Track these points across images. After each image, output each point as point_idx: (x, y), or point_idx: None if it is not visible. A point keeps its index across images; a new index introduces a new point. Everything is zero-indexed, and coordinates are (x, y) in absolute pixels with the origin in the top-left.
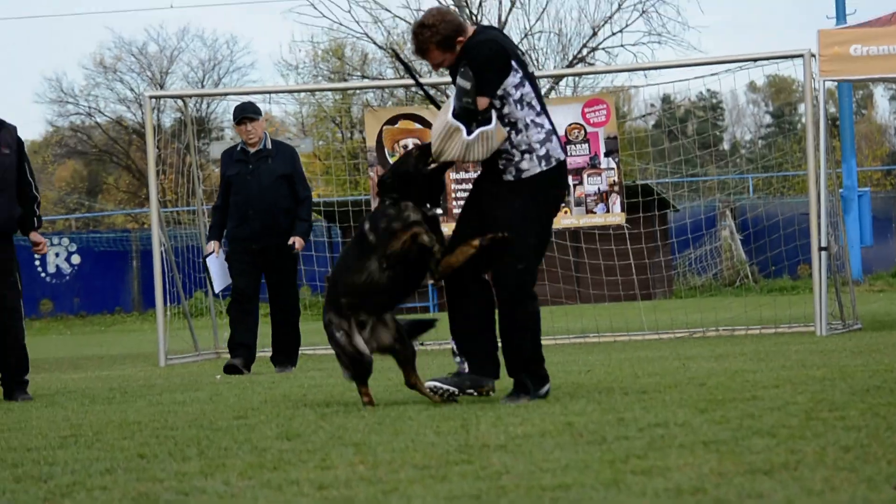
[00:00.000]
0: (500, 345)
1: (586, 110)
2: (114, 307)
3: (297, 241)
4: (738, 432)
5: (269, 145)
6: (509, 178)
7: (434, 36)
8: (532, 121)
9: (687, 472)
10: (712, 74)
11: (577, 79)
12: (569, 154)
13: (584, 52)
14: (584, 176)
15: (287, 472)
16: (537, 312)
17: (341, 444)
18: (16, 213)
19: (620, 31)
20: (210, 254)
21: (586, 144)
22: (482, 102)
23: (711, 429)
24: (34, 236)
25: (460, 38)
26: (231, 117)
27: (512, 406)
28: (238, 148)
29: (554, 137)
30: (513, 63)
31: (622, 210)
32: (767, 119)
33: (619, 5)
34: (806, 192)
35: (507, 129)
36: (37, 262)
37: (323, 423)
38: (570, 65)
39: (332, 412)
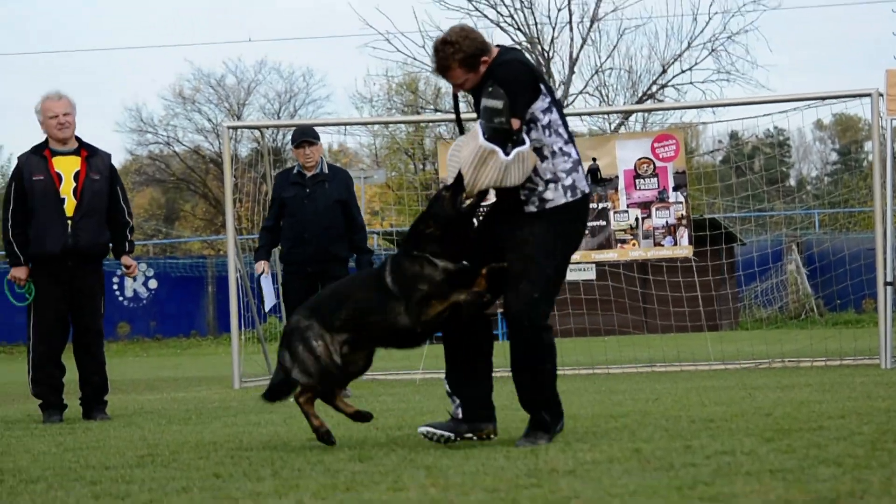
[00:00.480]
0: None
1: (655, 145)
2: (189, 331)
3: None
4: (805, 461)
5: (326, 170)
6: (532, 208)
7: (457, 53)
8: (560, 148)
9: (753, 499)
10: (780, 112)
11: (646, 115)
12: (637, 188)
13: (654, 88)
14: (653, 209)
15: (360, 493)
16: (553, 345)
17: (413, 467)
18: (104, 238)
19: (690, 68)
20: (261, 274)
21: (655, 178)
22: (516, 123)
23: (778, 457)
24: (125, 260)
25: (485, 58)
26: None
27: (530, 448)
28: (294, 171)
29: (580, 168)
30: (541, 86)
31: (690, 243)
32: (834, 156)
33: (689, 44)
34: (872, 227)
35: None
36: (115, 286)
37: (395, 446)
38: (640, 101)
39: (404, 435)
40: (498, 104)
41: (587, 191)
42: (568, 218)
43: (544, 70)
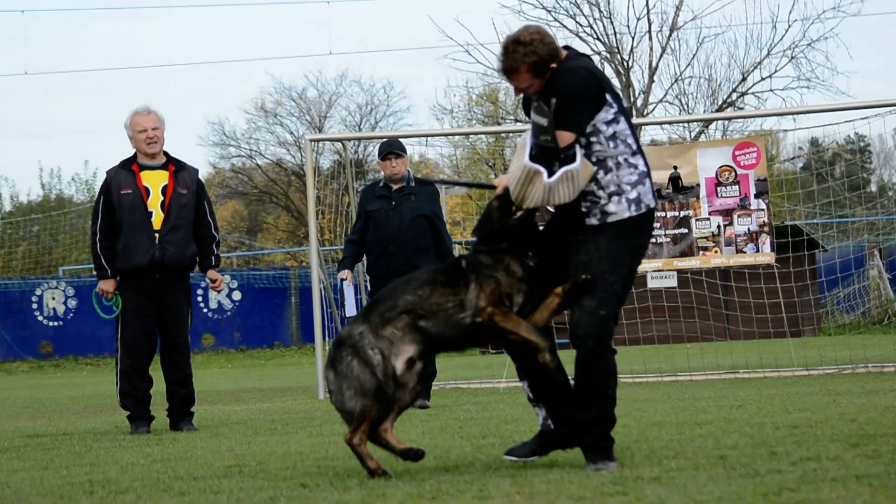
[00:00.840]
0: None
1: (737, 153)
2: (273, 342)
3: None
4: (891, 466)
5: (413, 183)
6: (593, 221)
7: (529, 56)
8: (626, 160)
9: None
10: (861, 118)
11: (726, 123)
12: (719, 195)
13: (734, 96)
14: (735, 217)
15: (445, 501)
16: (615, 367)
17: (498, 476)
18: (191, 252)
19: (770, 76)
20: (343, 280)
21: (737, 186)
22: (564, 138)
23: (864, 463)
24: (212, 274)
25: (553, 65)
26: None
27: (605, 472)
28: (381, 184)
29: (647, 181)
30: (607, 96)
31: (772, 250)
32: None
33: (769, 51)
34: None
35: (596, 167)
36: (199, 298)
37: (479, 455)
38: (720, 109)
39: (489, 444)
40: (543, 121)
41: (652, 205)
42: (632, 231)
43: (624, 80)
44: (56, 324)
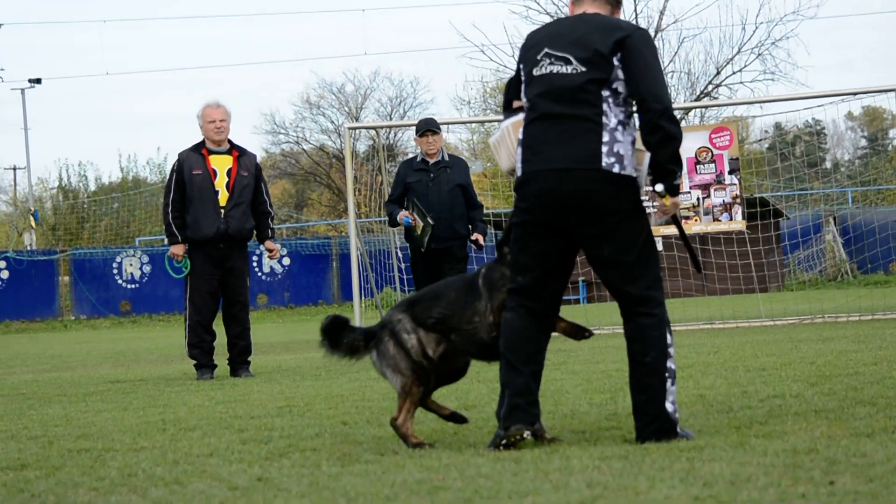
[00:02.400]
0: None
1: (713, 136)
2: (317, 300)
3: (480, 238)
4: (844, 402)
5: (447, 157)
6: None
7: None
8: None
9: (801, 435)
10: (818, 106)
11: (704, 110)
12: (698, 172)
13: (710, 88)
14: (711, 190)
15: (465, 436)
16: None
17: None
18: (250, 225)
19: (740, 70)
20: (405, 217)
21: (713, 164)
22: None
23: (821, 399)
24: (269, 244)
25: None
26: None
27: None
28: (418, 159)
29: (519, 150)
30: (519, 65)
31: (743, 218)
32: (863, 142)
33: (739, 49)
34: None
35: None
36: (255, 264)
37: (494, 396)
38: (698, 99)
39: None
40: None
41: (519, 172)
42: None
43: None
44: (133, 286)
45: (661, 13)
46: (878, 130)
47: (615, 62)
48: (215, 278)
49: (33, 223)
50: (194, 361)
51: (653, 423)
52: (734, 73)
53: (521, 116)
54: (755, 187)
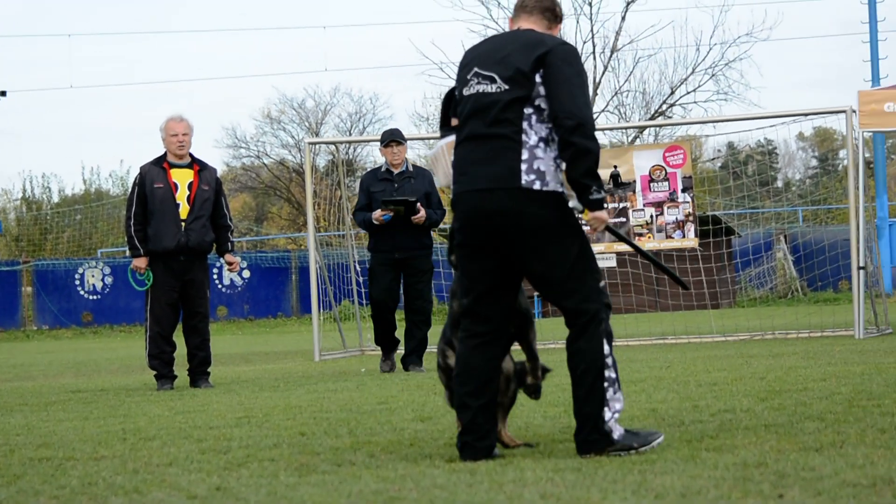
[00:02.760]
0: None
1: (666, 154)
2: (276, 312)
3: (422, 213)
4: (793, 417)
5: (411, 168)
6: None
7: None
8: None
9: (751, 449)
10: (770, 126)
11: (658, 129)
12: (652, 190)
13: (664, 107)
14: (665, 208)
15: (421, 447)
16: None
17: None
18: (210, 238)
19: (694, 90)
20: (384, 215)
21: (666, 182)
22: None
23: (771, 414)
24: (228, 258)
25: None
26: (380, 143)
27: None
28: (382, 169)
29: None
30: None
31: (695, 235)
32: (814, 162)
33: (693, 69)
34: (846, 221)
35: None
36: (215, 276)
37: (450, 408)
38: (653, 117)
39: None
40: None
41: (454, 192)
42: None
43: None
44: (95, 297)
45: (617, 34)
46: (829, 151)
47: (537, 79)
48: (175, 290)
49: None
50: (154, 372)
51: (581, 432)
52: (688, 92)
53: (454, 137)
54: (708, 205)
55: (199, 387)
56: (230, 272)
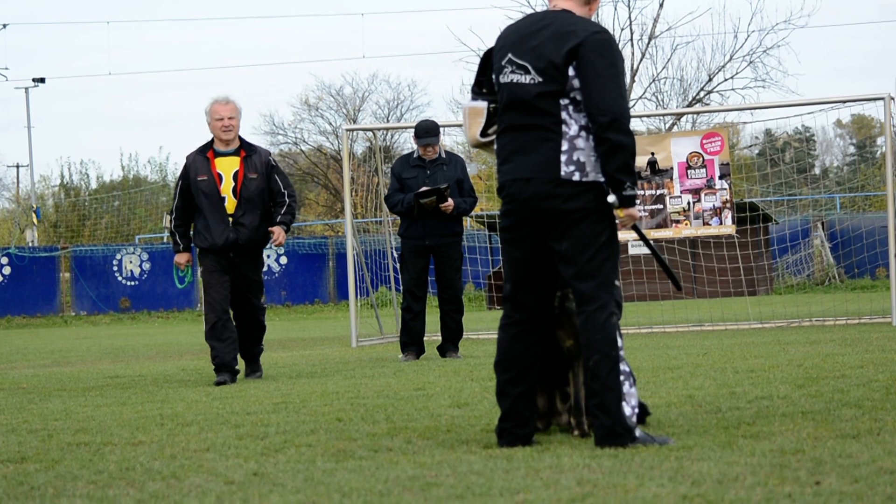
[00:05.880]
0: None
1: (704, 141)
2: (314, 299)
3: (450, 204)
4: (830, 404)
5: (444, 155)
6: None
7: None
8: None
9: (788, 436)
10: (808, 113)
11: (695, 116)
12: (689, 177)
13: (702, 94)
14: (702, 195)
15: (458, 434)
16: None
17: None
18: (262, 231)
19: (732, 77)
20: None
21: (704, 169)
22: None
23: (808, 401)
24: (275, 228)
25: None
26: (414, 134)
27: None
28: (415, 155)
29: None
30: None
31: (732, 222)
32: (851, 149)
33: (731, 56)
34: (884, 208)
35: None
36: None
37: (487, 395)
38: (690, 105)
39: (494, 385)
40: None
41: (501, 181)
42: None
43: None
44: (133, 283)
45: (655, 21)
46: (867, 138)
47: (570, 72)
48: (228, 284)
49: (35, 220)
50: (214, 365)
51: (602, 427)
52: (726, 79)
53: (478, 104)
54: (745, 192)
55: (249, 377)
56: (274, 245)
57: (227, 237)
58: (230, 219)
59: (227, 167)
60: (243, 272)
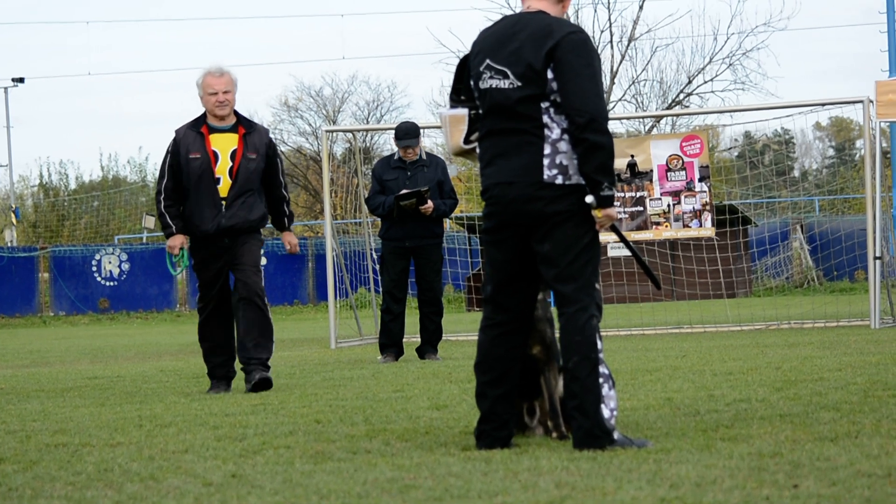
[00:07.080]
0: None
1: (683, 144)
2: (293, 300)
3: (430, 206)
4: (808, 407)
5: (424, 156)
6: None
7: None
8: None
9: (766, 439)
10: (786, 115)
11: (675, 118)
12: (669, 179)
13: (681, 96)
14: (682, 197)
15: (437, 436)
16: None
17: None
18: (258, 215)
19: (711, 79)
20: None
21: (683, 172)
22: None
23: (786, 404)
24: (288, 237)
25: None
26: (394, 136)
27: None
28: (395, 157)
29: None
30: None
31: (712, 225)
32: (831, 152)
33: (711, 58)
34: (863, 211)
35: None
36: None
37: (466, 397)
38: (670, 107)
39: (473, 387)
40: None
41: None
42: None
43: None
44: (112, 283)
45: (635, 23)
46: (846, 141)
47: (549, 75)
48: (223, 272)
49: (14, 220)
50: (207, 370)
51: (581, 429)
52: (705, 82)
53: (459, 111)
54: (724, 195)
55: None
56: (290, 253)
57: (218, 223)
58: (222, 203)
59: (225, 145)
60: (240, 253)
